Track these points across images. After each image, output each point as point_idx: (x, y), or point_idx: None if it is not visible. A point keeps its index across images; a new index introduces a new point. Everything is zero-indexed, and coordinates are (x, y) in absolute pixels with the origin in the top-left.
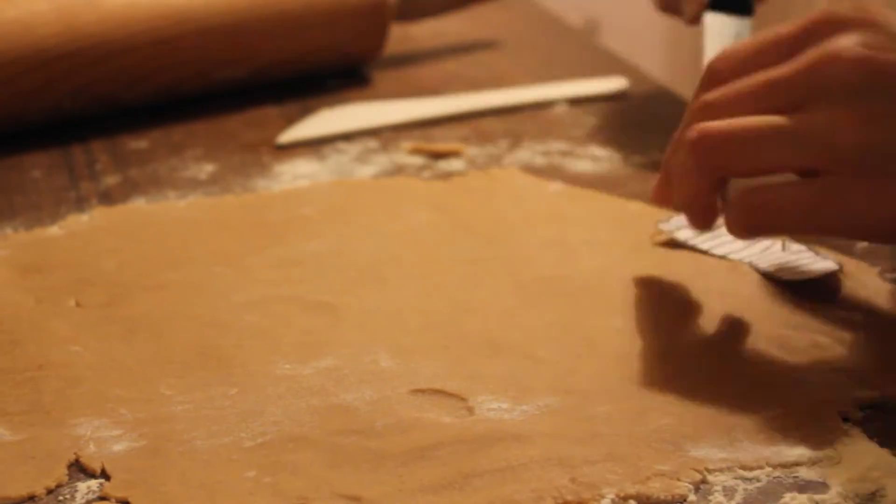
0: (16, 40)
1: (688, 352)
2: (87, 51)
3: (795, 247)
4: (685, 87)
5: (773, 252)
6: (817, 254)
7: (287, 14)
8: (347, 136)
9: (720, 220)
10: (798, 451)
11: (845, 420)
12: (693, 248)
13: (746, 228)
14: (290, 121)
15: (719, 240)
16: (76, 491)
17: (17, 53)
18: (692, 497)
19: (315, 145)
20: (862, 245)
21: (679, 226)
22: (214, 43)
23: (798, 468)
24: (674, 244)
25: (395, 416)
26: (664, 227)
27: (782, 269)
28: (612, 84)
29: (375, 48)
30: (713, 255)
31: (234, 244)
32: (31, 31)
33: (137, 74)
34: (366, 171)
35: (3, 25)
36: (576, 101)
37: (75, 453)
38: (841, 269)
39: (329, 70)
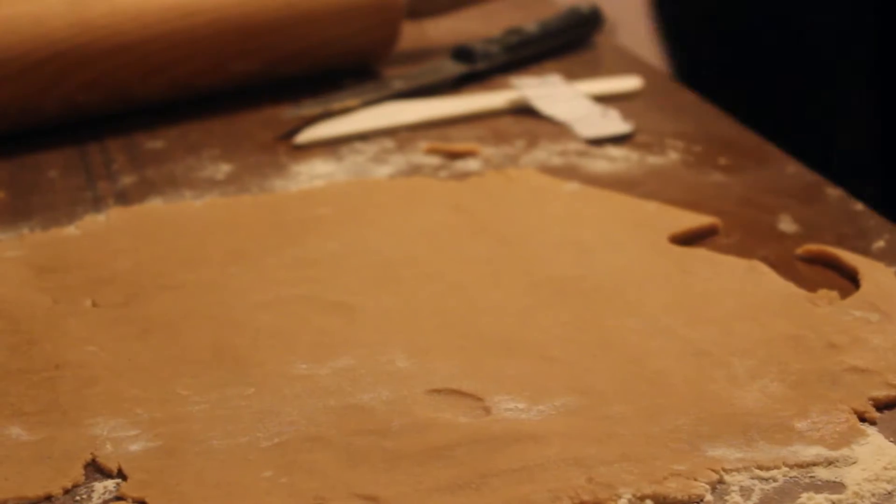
0: (27, 32)
1: (703, 352)
2: (99, 42)
3: (611, 113)
4: (700, 87)
5: (591, 116)
6: (624, 121)
7: (297, 5)
8: (364, 136)
9: (556, 81)
10: (814, 451)
11: (862, 420)
12: (531, 105)
13: None
14: (307, 121)
15: (552, 101)
16: (93, 491)
17: (28, 45)
18: (709, 497)
19: (332, 145)
20: (879, 245)
21: (527, 84)
22: (227, 34)
23: (815, 468)
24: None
25: (411, 416)
26: (517, 82)
27: (589, 128)
28: (627, 83)
29: (387, 43)
30: (544, 114)
31: (250, 244)
32: (43, 23)
33: (150, 66)
34: (382, 171)
35: (14, 18)
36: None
37: (92, 453)
38: (632, 132)
39: (342, 66)
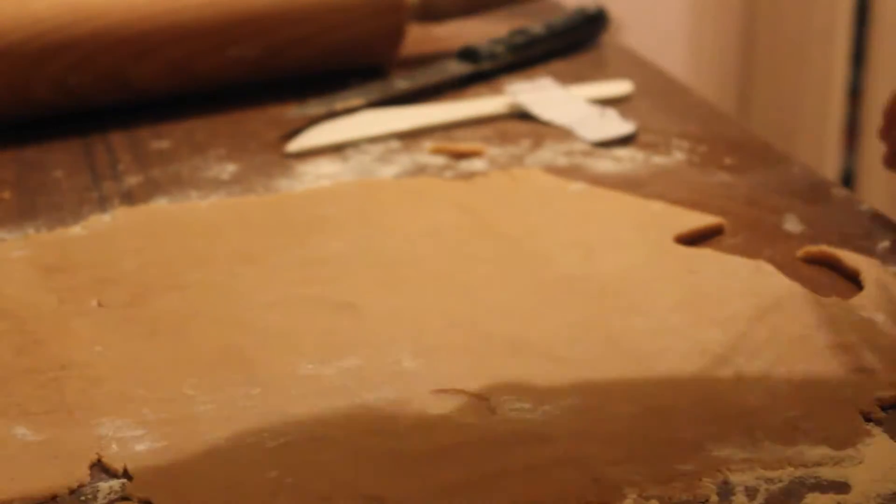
0: (9, 12)
1: (709, 352)
2: (84, 22)
3: (610, 113)
4: (706, 87)
5: (591, 118)
6: (625, 121)
7: None
8: (356, 144)
9: (549, 85)
10: (820, 452)
11: (867, 420)
12: (528, 111)
13: None
14: (313, 120)
15: (548, 105)
16: (98, 491)
17: (10, 24)
18: (714, 497)
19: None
20: (884, 245)
21: (520, 90)
22: (220, 16)
23: (820, 468)
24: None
25: (417, 416)
26: (510, 88)
27: (592, 130)
28: (618, 88)
29: (393, 44)
30: (542, 119)
31: (256, 244)
32: (25, 4)
33: (141, 47)
34: (388, 171)
35: None
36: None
37: (97, 453)
38: (636, 133)
39: (347, 66)
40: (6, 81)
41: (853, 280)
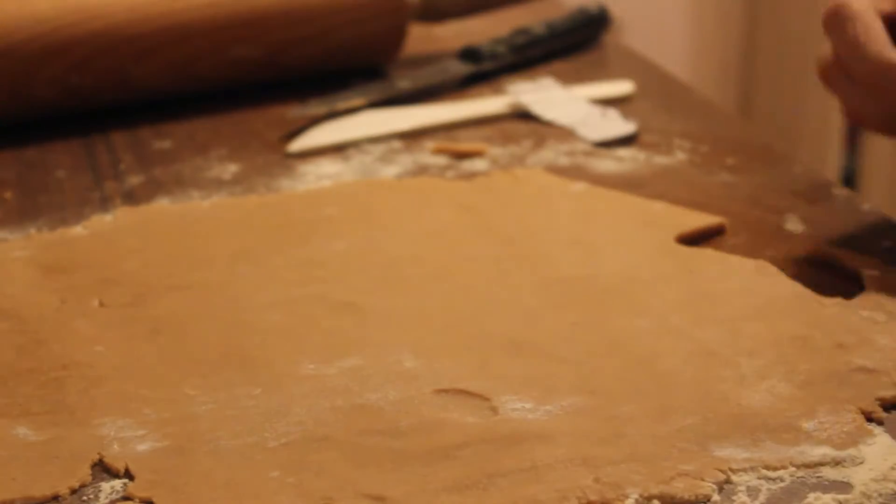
0: (10, 12)
1: (711, 352)
2: (87, 23)
3: (611, 113)
4: (707, 87)
5: (592, 118)
6: (627, 121)
7: None
8: (357, 144)
9: (550, 85)
10: (822, 451)
11: (869, 420)
12: (529, 111)
13: None
14: (314, 120)
15: (549, 105)
16: (100, 491)
17: (12, 25)
18: (716, 497)
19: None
20: (885, 245)
21: (522, 90)
22: (221, 16)
23: (822, 468)
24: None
25: (418, 416)
26: (511, 88)
27: (594, 130)
28: (619, 88)
29: (395, 44)
30: (544, 119)
31: (258, 244)
32: (26, 3)
33: (142, 47)
34: (389, 171)
35: None
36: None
37: (99, 453)
38: (637, 132)
39: (349, 66)
40: (8, 81)
41: (854, 280)
